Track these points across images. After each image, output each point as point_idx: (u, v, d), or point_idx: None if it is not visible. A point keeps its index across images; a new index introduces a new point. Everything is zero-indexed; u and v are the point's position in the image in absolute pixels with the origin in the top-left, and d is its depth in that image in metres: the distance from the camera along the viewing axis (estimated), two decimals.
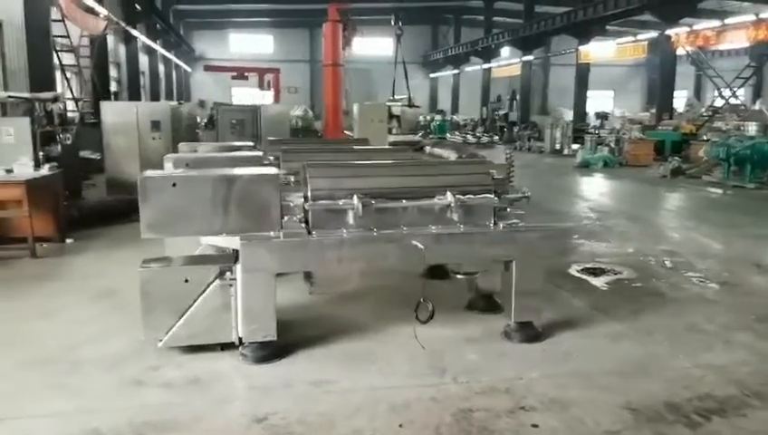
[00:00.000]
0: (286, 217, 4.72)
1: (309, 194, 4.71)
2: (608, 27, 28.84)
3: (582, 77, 29.35)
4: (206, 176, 4.61)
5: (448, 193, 4.88)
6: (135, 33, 26.42)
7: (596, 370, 4.52)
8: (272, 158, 6.65)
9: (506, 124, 32.60)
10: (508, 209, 5.21)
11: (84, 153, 14.64)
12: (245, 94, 38.41)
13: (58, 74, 18.08)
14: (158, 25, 31.62)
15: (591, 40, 28.31)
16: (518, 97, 33.71)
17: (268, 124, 12.91)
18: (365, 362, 4.62)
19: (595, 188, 15.58)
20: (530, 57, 33.52)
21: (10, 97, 12.47)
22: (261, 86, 32.11)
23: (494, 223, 5.04)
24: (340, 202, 4.70)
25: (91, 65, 19.67)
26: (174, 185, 4.49)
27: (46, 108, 13.01)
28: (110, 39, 24.88)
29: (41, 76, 14.46)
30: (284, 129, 13.06)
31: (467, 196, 4.94)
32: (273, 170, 4.82)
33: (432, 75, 50.37)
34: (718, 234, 9.60)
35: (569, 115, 31.09)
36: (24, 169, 8.30)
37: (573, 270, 7.27)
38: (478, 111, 39.78)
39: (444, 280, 5.88)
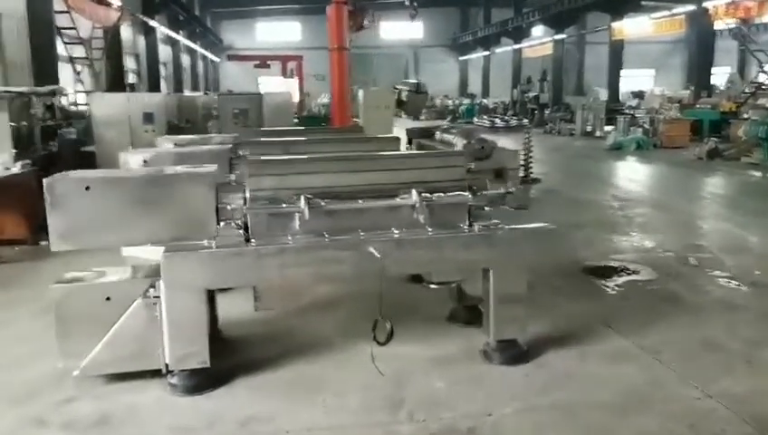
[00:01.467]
0: (223, 223, 4.07)
1: (247, 195, 4.04)
2: (642, 2, 27.41)
3: (616, 55, 28.06)
4: (125, 177, 3.97)
5: (413, 191, 4.16)
6: (153, 23, 26.08)
7: (584, 402, 3.76)
8: (241, 152, 6.02)
9: (537, 106, 31.38)
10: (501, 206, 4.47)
11: (92, 148, 14.30)
12: (271, 83, 37.99)
13: (68, 67, 17.82)
14: (180, 16, 31.27)
15: (625, 16, 26.97)
16: (549, 78, 32.40)
17: (271, 113, 12.28)
18: (312, 392, 3.94)
19: (623, 173, 14.60)
20: (562, 36, 32.23)
21: (5, 92, 12.13)
22: (284, 74, 31.56)
23: (470, 225, 4.29)
24: (284, 204, 4.03)
25: (103, 57, 19.35)
26: (87, 188, 3.86)
27: (46, 102, 12.66)
28: (128, 30, 24.63)
29: (44, 69, 14.09)
30: (288, 118, 12.41)
31: (436, 194, 4.22)
32: (207, 168, 4.16)
33: (462, 58, 49.19)
34: (754, 224, 8.64)
35: (605, 95, 29.76)
36: None
37: (581, 270, 6.48)
38: (509, 94, 38.57)
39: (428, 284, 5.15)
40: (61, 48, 16.42)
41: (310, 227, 4.06)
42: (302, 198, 4.00)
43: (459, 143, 10.32)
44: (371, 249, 4.01)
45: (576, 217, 9.38)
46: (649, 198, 10.89)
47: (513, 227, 4.30)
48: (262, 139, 6.55)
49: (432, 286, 4.67)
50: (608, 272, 6.40)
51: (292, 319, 5.09)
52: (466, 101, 38.71)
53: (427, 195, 4.19)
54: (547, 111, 29.66)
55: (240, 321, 4.97)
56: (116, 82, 20.61)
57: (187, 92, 30.28)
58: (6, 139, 8.97)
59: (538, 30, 37.89)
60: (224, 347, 4.58)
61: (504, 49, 41.27)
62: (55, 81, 14.03)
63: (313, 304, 5.32)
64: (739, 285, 5.91)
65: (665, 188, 12.21)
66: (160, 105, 10.89)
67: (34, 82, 13.57)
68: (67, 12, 15.94)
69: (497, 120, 29.91)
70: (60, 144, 11.67)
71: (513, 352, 4.34)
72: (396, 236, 4.14)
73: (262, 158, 4.69)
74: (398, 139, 6.78)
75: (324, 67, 44.48)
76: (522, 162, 12.80)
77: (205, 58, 42.45)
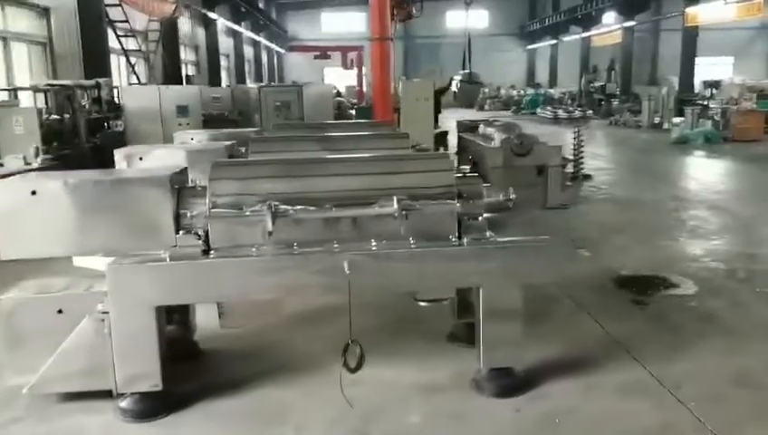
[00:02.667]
0: (182, 232, 3.71)
1: (208, 201, 3.67)
2: None
3: (690, 42, 26.49)
4: (74, 181, 3.66)
5: (394, 199, 3.68)
6: (213, 15, 26.25)
7: None
8: (243, 150, 5.68)
9: (603, 97, 30.01)
10: (480, 218, 3.93)
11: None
12: (335, 74, 37.83)
13: (122, 59, 18.05)
14: (242, 8, 31.42)
15: (701, 0, 25.37)
16: (617, 67, 30.95)
17: (311, 105, 11.97)
18: (273, 424, 3.55)
19: (685, 169, 13.63)
20: (631, 23, 30.72)
21: (49, 85, 12.26)
22: (344, 65, 31.37)
23: (459, 237, 3.79)
24: (247, 212, 3.64)
25: (158, 49, 19.53)
26: (34, 193, 3.58)
27: (92, 95, 12.74)
28: (187, 22, 24.87)
29: (94, 62, 14.24)
30: (327, 110, 12.07)
31: (420, 202, 3.73)
32: (165, 171, 3.80)
33: (529, 47, 47.83)
34: None
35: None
36: (16, 162, 7.82)
37: (614, 281, 5.85)
38: (577, 84, 37.16)
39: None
40: (115, 41, 16.67)
41: (278, 238, 3.65)
42: (267, 205, 3.60)
43: (497, 138, 9.75)
44: (346, 263, 3.58)
45: (621, 217, 8.68)
46: (708, 198, 9.98)
47: (507, 239, 3.76)
48: (267, 135, 6.18)
49: (422, 304, 4.17)
50: (643, 284, 5.74)
51: (277, 333, 4.70)
52: (531, 91, 37.55)
53: (410, 203, 3.71)
54: (615, 102, 28.31)
55: (223, 333, 4.61)
56: (172, 74, 20.84)
57: (249, 84, 30.43)
58: (34, 132, 8.96)
59: (609, 17, 36.27)
60: (196, 364, 4.26)
61: (573, 37, 39.82)
62: (105, 73, 14.16)
63: (304, 317, 4.92)
64: None
65: (727, 186, 11.21)
66: (195, 97, 10.70)
67: (85, 75, 13.72)
68: (119, 5, 16.09)
69: (560, 111, 28.92)
70: (102, 138, 11.72)
71: (507, 382, 3.81)
72: (373, 248, 3.69)
73: (226, 159, 4.30)
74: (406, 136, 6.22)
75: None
76: (571, 157, 12.09)
77: (269, 49, 42.70)
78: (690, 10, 25.55)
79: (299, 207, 3.63)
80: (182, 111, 10.52)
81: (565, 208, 9.20)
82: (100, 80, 12.89)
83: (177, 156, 5.40)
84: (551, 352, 4.31)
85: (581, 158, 11.99)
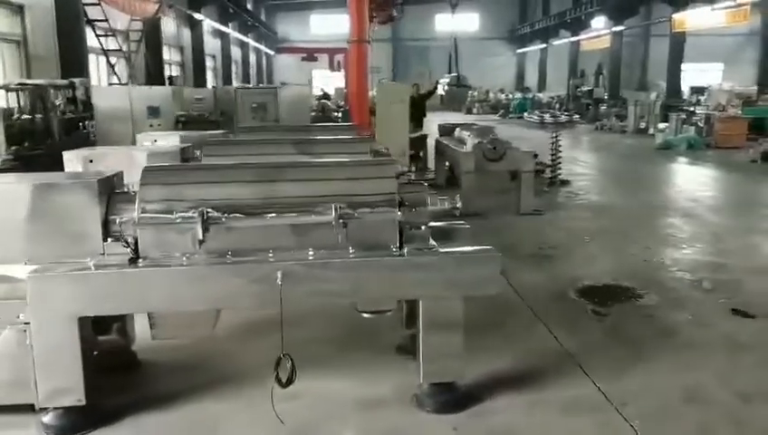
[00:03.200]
0: (111, 240, 3.57)
1: (137, 207, 3.52)
2: None
3: (677, 48, 26.44)
4: None
5: (331, 207, 3.54)
6: (199, 16, 26.06)
7: None
8: (197, 153, 5.53)
9: (591, 101, 29.96)
10: (424, 227, 3.80)
11: None
12: (323, 76, 37.67)
13: (101, 59, 17.85)
14: (230, 9, 31.23)
15: (689, 6, 25.33)
16: (604, 71, 30.93)
17: (287, 107, 11.81)
18: None
19: (664, 176, 13.55)
20: (620, 27, 30.69)
21: (20, 84, 12.06)
22: (331, 66, 31.23)
23: (400, 247, 3.65)
24: (178, 219, 3.49)
25: (139, 49, 19.33)
26: None
27: (67, 95, 12.54)
28: (171, 22, 24.66)
29: (71, 61, 14.03)
30: (305, 112, 11.91)
31: (359, 210, 3.59)
32: (94, 176, 3.65)
33: (519, 51, 47.79)
34: None
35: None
36: None
37: (576, 290, 5.72)
38: (566, 88, 37.11)
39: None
40: (95, 40, 16.47)
41: (211, 247, 3.51)
42: (198, 212, 3.46)
43: (470, 142, 9.62)
44: (279, 273, 3.44)
45: (594, 224, 8.56)
46: (683, 205, 9.88)
47: (447, 250, 3.63)
48: (224, 139, 6.03)
49: (365, 315, 4.02)
50: (605, 294, 5.63)
51: (219, 344, 4.51)
52: (519, 95, 37.52)
53: (349, 211, 3.57)
54: (603, 107, 28.24)
55: (163, 344, 4.46)
56: (155, 74, 20.65)
57: (235, 85, 30.24)
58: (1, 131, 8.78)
59: (599, 22, 36.21)
60: (132, 376, 4.11)
61: (562, 41, 39.77)
62: (82, 73, 13.96)
63: (249, 327, 4.75)
64: (754, 318, 5.05)
65: (704, 194, 11.08)
66: (167, 98, 10.52)
67: (62, 75, 13.52)
68: (98, 4, 15.89)
69: (546, 116, 28.80)
70: (75, 138, 11.51)
71: (448, 398, 3.68)
72: (310, 258, 3.55)
73: (158, 164, 4.15)
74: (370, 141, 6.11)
75: (379, 60, 44.14)
76: (549, 163, 12.00)
77: (258, 51, 42.51)
78: (677, 16, 25.54)
79: (232, 214, 3.50)
80: (153, 111, 10.32)
81: (539, 214, 9.10)
82: (76, 80, 12.69)
83: (131, 158, 5.29)
84: (500, 366, 4.18)
85: (559, 163, 11.93)
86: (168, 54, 23.88)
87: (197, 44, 26.89)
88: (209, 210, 3.47)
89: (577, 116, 28.51)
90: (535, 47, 44.48)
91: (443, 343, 3.62)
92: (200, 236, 3.44)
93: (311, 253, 3.58)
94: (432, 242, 3.75)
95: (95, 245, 3.53)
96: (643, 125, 22.36)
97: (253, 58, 41.64)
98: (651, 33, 42.53)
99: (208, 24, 28.02)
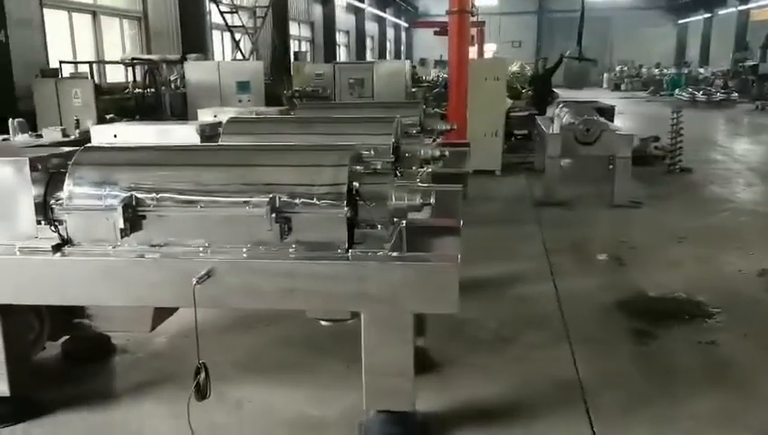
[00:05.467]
0: (44, 224, 3.32)
1: (66, 189, 3.23)
2: None
3: None
4: None
5: (267, 199, 3.05)
6: None
7: None
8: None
9: (755, 78, 26.70)
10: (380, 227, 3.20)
11: None
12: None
13: (226, 36, 18.31)
14: None
15: None
16: None
17: (382, 83, 11.39)
18: None
19: None
20: None
21: (134, 59, 12.55)
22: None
23: (348, 248, 3.08)
24: (101, 204, 3.16)
25: (263, 25, 19.59)
26: None
27: (180, 70, 12.91)
28: None
29: (192, 37, 14.44)
30: (399, 87, 11.43)
31: (300, 202, 3.07)
32: (30, 153, 3.40)
33: (680, 22, 43.80)
34: None
35: None
36: (54, 134, 7.87)
37: (628, 303, 4.81)
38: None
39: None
40: (219, 17, 16.92)
41: (140, 237, 3.16)
42: (121, 197, 3.11)
43: (558, 123, 8.65)
44: (203, 271, 3.02)
45: (700, 221, 7.37)
46: None
47: (396, 255, 3.01)
48: (254, 116, 5.68)
49: (323, 323, 3.50)
50: (664, 310, 4.69)
51: (183, 341, 4.15)
52: (673, 70, 34.43)
53: (288, 202, 3.06)
54: None
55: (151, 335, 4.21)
56: (280, 50, 20.94)
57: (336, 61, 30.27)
58: (90, 105, 9.11)
59: None
60: (94, 367, 3.90)
61: (729, 10, 35.85)
62: (203, 49, 14.35)
63: (247, 320, 4.41)
64: None
65: None
66: (257, 73, 10.43)
67: (182, 51, 13.95)
68: None
69: (699, 93, 26.00)
70: (180, 113, 11.83)
71: (397, 431, 3.09)
72: (243, 256, 3.10)
73: (99, 144, 3.84)
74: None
75: (521, 33, 42.37)
76: (668, 148, 10.64)
77: (397, 26, 42.30)
78: None
79: (159, 199, 3.12)
80: (243, 86, 10.30)
81: (636, 207, 8.01)
82: (191, 55, 13.02)
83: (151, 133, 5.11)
84: (490, 392, 3.53)
85: (680, 147, 10.53)
86: (298, 30, 24.18)
87: (329, 20, 27.06)
88: (137, 197, 3.12)
89: (736, 94, 25.55)
90: (699, 17, 40.53)
91: (388, 367, 3.03)
92: (121, 225, 3.10)
93: (244, 251, 3.11)
94: (388, 244, 3.13)
95: (28, 227, 3.29)
96: None
97: (391, 33, 41.47)
98: None
99: None
